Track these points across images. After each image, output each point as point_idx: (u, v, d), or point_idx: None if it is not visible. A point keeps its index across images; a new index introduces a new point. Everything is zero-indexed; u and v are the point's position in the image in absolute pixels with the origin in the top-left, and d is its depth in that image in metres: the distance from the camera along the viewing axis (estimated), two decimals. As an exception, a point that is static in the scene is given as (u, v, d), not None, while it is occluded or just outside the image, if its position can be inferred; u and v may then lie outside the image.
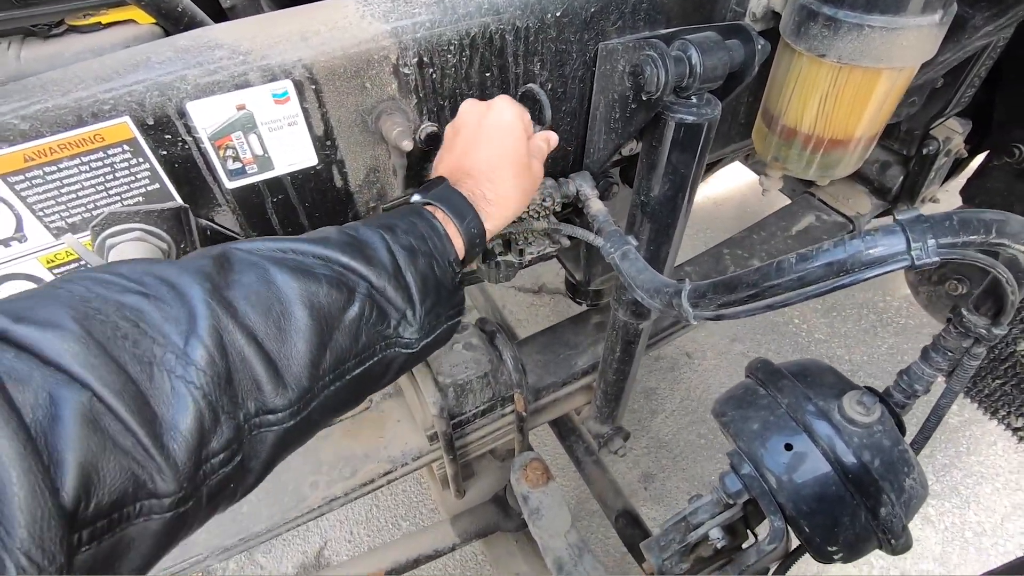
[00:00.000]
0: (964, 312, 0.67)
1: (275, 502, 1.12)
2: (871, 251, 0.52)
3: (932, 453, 2.13)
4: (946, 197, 1.65)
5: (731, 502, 0.73)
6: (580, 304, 1.36)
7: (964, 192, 1.58)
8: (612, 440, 1.39)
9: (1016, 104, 1.34)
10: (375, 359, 0.56)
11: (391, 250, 0.57)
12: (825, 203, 1.60)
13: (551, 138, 0.77)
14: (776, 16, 0.87)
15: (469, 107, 0.71)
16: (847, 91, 0.83)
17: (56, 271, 0.66)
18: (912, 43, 0.76)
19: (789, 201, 1.70)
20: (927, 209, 1.63)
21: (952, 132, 1.38)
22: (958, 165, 1.60)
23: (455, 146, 0.70)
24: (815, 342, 2.51)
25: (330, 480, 1.16)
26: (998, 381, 1.39)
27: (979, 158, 1.54)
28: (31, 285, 0.66)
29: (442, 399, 1.11)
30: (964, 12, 0.97)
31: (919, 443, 0.79)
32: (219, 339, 0.44)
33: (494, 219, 0.67)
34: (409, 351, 0.59)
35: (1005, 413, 1.42)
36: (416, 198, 0.66)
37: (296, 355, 0.49)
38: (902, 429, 0.75)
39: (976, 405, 1.51)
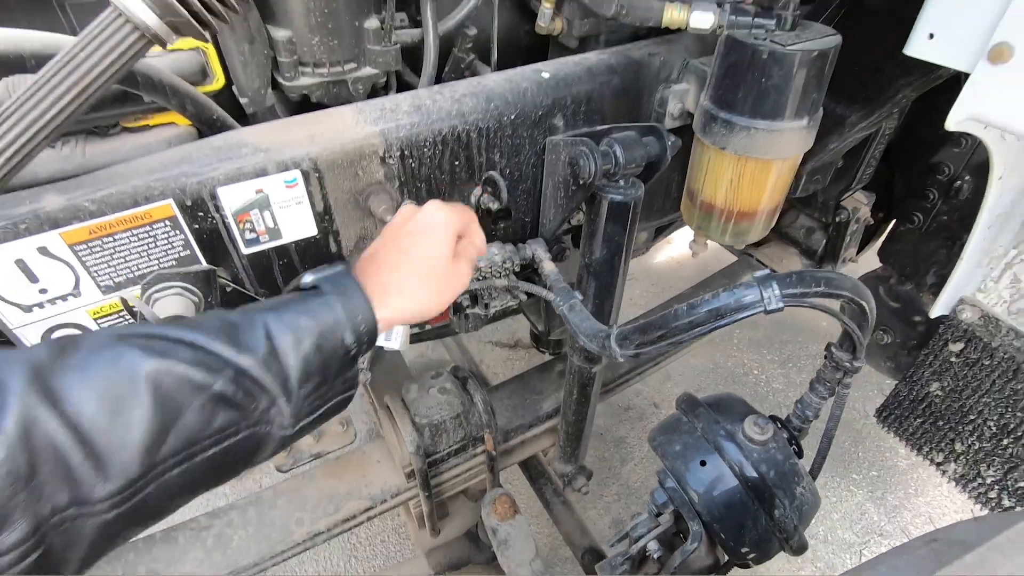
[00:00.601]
0: (833, 350, 0.85)
1: (263, 537, 1.22)
2: (736, 301, 0.70)
3: (883, 495, 2.26)
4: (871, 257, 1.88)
5: (660, 512, 0.87)
6: (543, 353, 1.51)
7: (880, 254, 1.80)
8: (575, 479, 1.51)
9: (909, 179, 1.58)
10: (237, 438, 0.55)
11: (269, 334, 0.57)
12: (762, 263, 1.81)
13: (481, 247, 0.80)
14: (690, 115, 1.10)
15: (404, 208, 0.77)
16: (746, 176, 1.04)
17: (100, 321, 0.81)
18: (789, 140, 0.97)
19: (735, 260, 1.91)
20: (848, 268, 1.85)
21: (859, 203, 1.61)
22: (876, 229, 1.84)
23: (379, 239, 0.74)
24: (773, 391, 2.68)
25: (314, 516, 1.26)
26: (919, 420, 1.56)
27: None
28: (77, 332, 0.81)
29: (418, 438, 1.24)
30: (842, 112, 1.21)
31: (818, 463, 0.94)
32: (25, 432, 0.43)
33: (393, 310, 0.68)
34: (284, 432, 0.59)
35: (928, 450, 1.58)
36: (308, 279, 0.66)
37: (128, 442, 0.47)
38: (799, 449, 0.91)
39: (905, 444, 1.67)
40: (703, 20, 0.97)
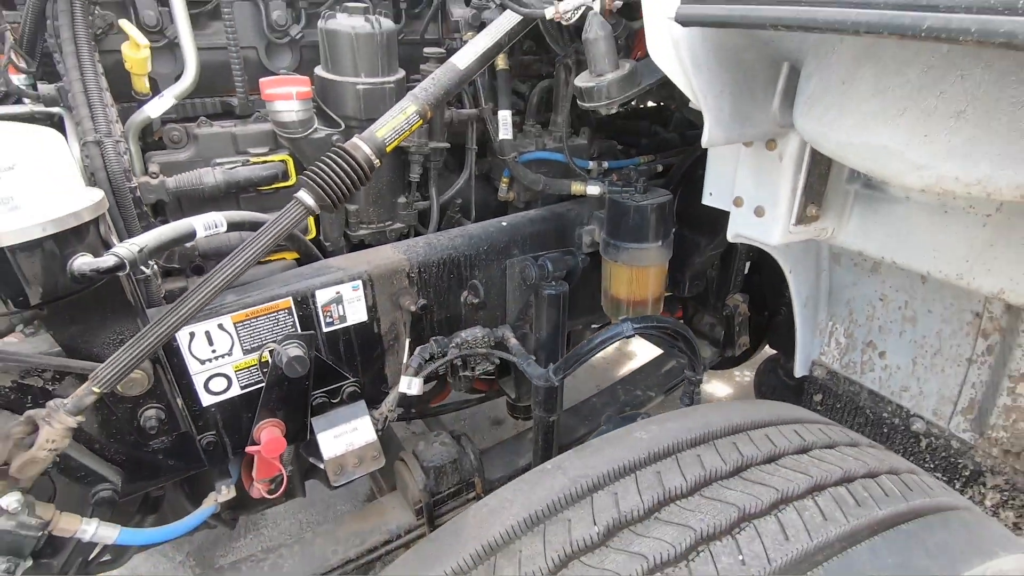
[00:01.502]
0: (686, 371, 1.40)
1: (307, 563, 1.59)
2: (611, 333, 1.26)
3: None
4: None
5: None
6: (517, 419, 2.00)
7: (768, 342, 2.40)
8: (549, 521, 1.90)
9: (772, 281, 2.23)
10: None
11: None
12: (682, 349, 2.38)
13: None
14: (597, 244, 1.75)
15: None
16: (635, 277, 1.66)
17: (239, 373, 1.33)
18: (654, 255, 1.61)
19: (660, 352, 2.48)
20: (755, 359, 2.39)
21: (737, 302, 2.24)
22: (769, 321, 2.45)
23: None
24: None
25: (346, 548, 1.64)
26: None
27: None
28: (226, 382, 1.32)
29: (426, 479, 1.68)
30: (697, 239, 1.89)
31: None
32: None
33: None
34: None
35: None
36: None
37: None
38: (678, 441, 1.40)
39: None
40: (594, 190, 1.66)
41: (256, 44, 1.49)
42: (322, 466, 1.47)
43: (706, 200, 1.53)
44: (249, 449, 1.29)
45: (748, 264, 2.24)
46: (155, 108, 1.23)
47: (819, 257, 1.72)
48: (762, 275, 2.33)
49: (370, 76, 1.38)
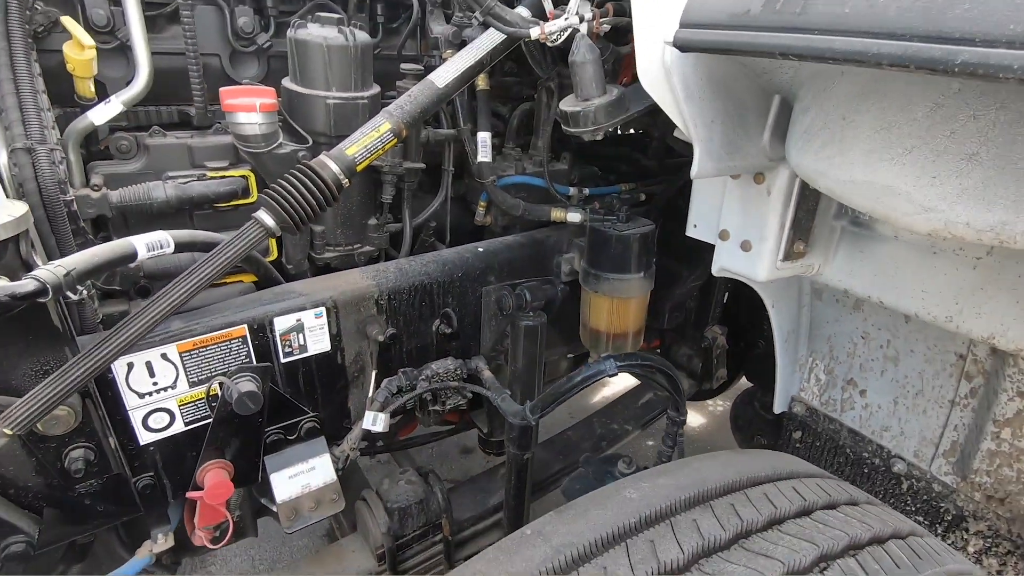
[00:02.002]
0: (668, 411, 1.33)
1: (254, 616, 1.44)
2: (592, 371, 1.19)
3: None
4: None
5: (567, 534, 1.24)
6: (489, 454, 1.89)
7: (746, 374, 2.36)
8: (520, 565, 1.79)
9: (749, 314, 2.20)
10: None
11: None
12: (657, 382, 2.32)
13: None
14: (576, 273, 1.68)
15: None
16: (615, 309, 1.59)
17: (183, 407, 1.20)
18: (635, 285, 1.54)
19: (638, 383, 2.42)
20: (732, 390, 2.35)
21: (716, 334, 2.20)
22: (743, 356, 2.42)
23: None
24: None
25: (299, 598, 1.50)
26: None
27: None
28: (167, 418, 1.19)
29: (389, 521, 1.56)
30: (677, 269, 1.84)
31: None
32: None
33: None
34: None
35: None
36: None
37: None
38: (659, 485, 1.32)
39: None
40: (574, 217, 1.60)
41: (219, 51, 1.39)
42: (274, 509, 1.34)
43: (690, 232, 1.49)
44: (191, 495, 1.16)
45: (726, 295, 2.20)
46: (100, 114, 1.12)
47: (801, 292, 1.69)
48: (740, 306, 2.30)
49: (342, 90, 1.30)
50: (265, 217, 1.05)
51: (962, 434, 1.46)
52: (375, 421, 1.36)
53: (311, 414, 1.38)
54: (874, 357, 1.61)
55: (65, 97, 1.19)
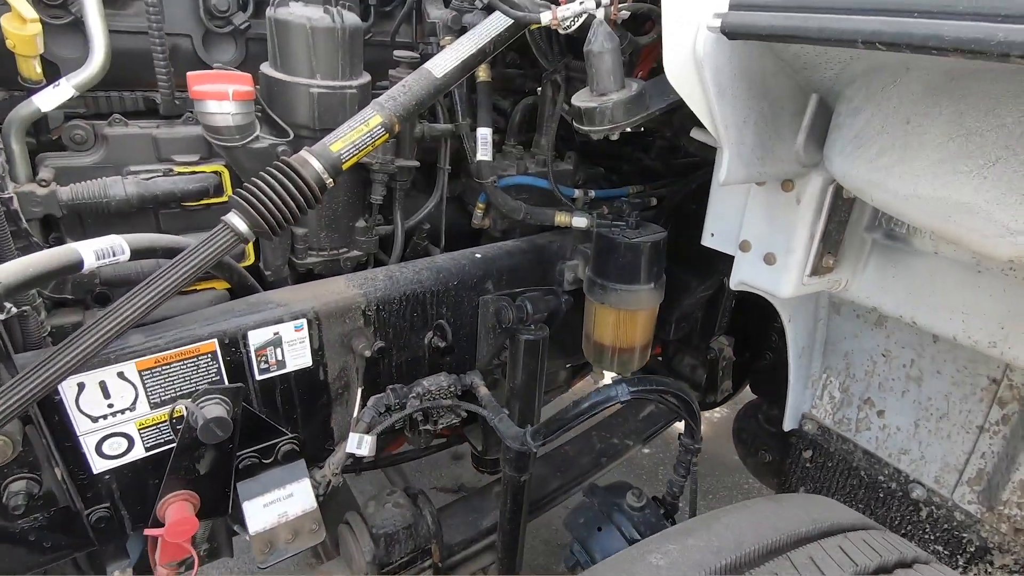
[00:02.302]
0: (681, 438, 1.21)
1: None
2: (602, 396, 1.07)
3: None
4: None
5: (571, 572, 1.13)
6: (483, 472, 1.78)
7: (751, 386, 2.27)
8: (514, 592, 1.68)
9: (756, 325, 2.10)
10: None
11: None
12: (661, 396, 2.21)
13: None
14: (581, 281, 1.56)
15: None
16: (621, 322, 1.48)
17: (143, 431, 1.07)
18: (645, 297, 1.43)
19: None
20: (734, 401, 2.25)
21: (723, 345, 2.09)
22: (747, 367, 2.32)
23: None
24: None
25: (274, 633, 1.37)
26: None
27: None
28: (125, 443, 1.06)
29: (374, 548, 1.43)
30: (687, 279, 1.73)
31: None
32: None
33: None
34: None
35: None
36: None
37: None
38: (671, 517, 1.21)
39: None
40: (581, 222, 1.48)
41: (191, 31, 1.25)
42: (248, 538, 1.22)
43: (706, 241, 1.37)
44: (150, 532, 1.03)
45: (733, 303, 2.10)
46: (48, 99, 0.98)
47: (818, 306, 1.58)
48: (747, 316, 2.20)
49: (328, 78, 1.16)
50: (236, 221, 0.92)
51: (990, 462, 1.37)
52: (360, 444, 1.23)
53: (289, 435, 1.25)
54: (895, 376, 1.51)
55: (10, 79, 1.04)
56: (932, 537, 1.50)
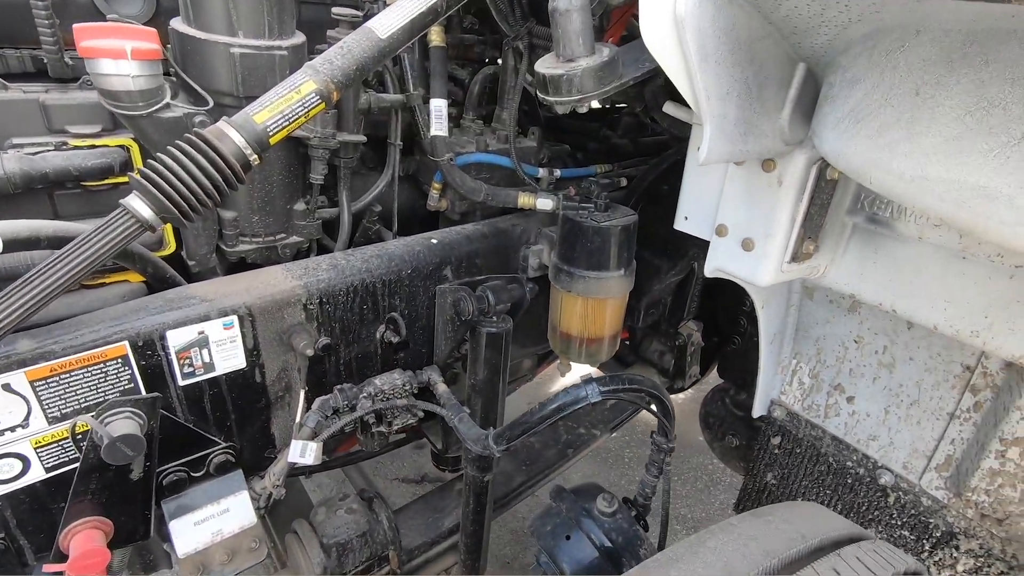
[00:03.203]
0: (654, 436, 1.14)
1: None
2: (571, 398, 0.97)
3: None
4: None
5: (537, 587, 1.04)
6: (443, 471, 1.68)
7: (718, 371, 2.23)
8: (478, 594, 1.60)
9: (725, 310, 2.05)
10: None
11: None
12: (628, 382, 2.15)
13: None
14: (546, 268, 1.45)
15: None
16: (590, 310, 1.39)
17: (41, 451, 0.92)
18: (614, 285, 1.34)
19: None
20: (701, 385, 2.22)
21: (691, 330, 2.04)
22: (715, 351, 2.28)
23: None
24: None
25: (214, 657, 1.25)
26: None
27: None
28: (19, 465, 0.91)
29: (325, 559, 1.32)
30: (658, 263, 1.65)
31: (663, 533, 1.18)
32: None
33: None
34: None
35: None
36: None
37: None
38: (643, 521, 1.14)
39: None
40: (546, 204, 1.37)
41: (87, -22, 1.07)
42: (175, 563, 1.08)
43: (680, 225, 1.28)
44: (49, 568, 0.88)
45: (701, 288, 2.04)
46: None
47: (791, 291, 1.53)
48: (716, 300, 2.14)
49: (252, 36, 1.00)
50: (138, 204, 0.77)
51: (959, 449, 1.35)
52: (304, 452, 1.11)
53: (223, 445, 1.12)
54: (867, 363, 1.47)
55: None
56: (899, 523, 1.48)
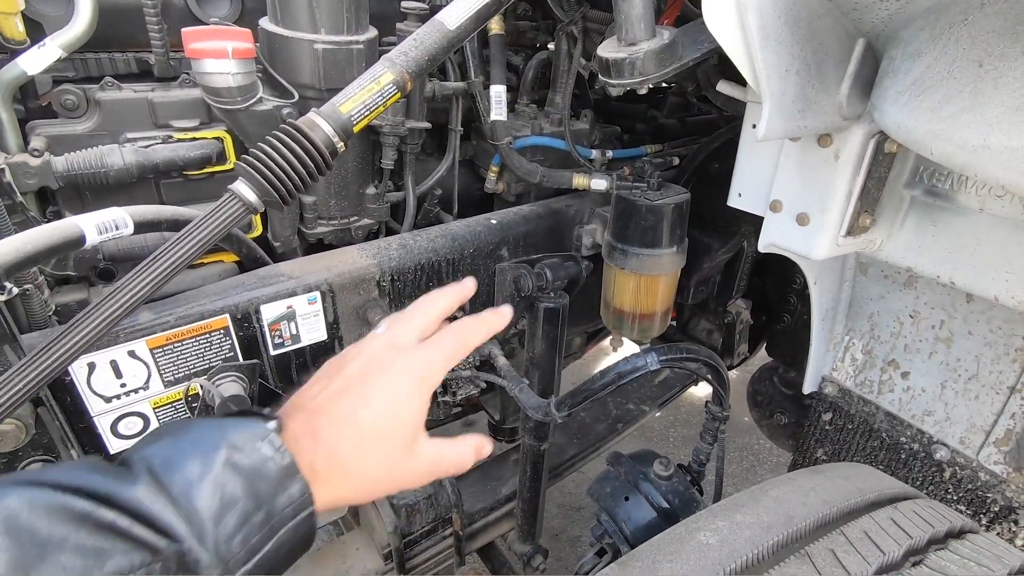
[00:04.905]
0: (709, 405, 1.18)
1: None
2: (631, 366, 1.03)
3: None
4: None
5: (598, 543, 1.12)
6: (500, 441, 1.76)
7: (767, 349, 2.24)
8: (533, 557, 1.69)
9: (775, 287, 2.06)
10: None
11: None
12: (676, 360, 2.19)
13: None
14: (599, 246, 1.50)
15: (377, 346, 0.60)
16: (642, 287, 1.43)
17: (159, 411, 1.04)
18: (667, 262, 1.38)
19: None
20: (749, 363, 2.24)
21: (740, 308, 2.05)
22: (764, 329, 2.28)
23: (328, 384, 0.58)
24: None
25: (300, 602, 1.38)
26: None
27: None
28: (141, 423, 1.03)
29: (396, 518, 1.43)
30: (708, 241, 1.68)
31: (716, 495, 1.23)
32: None
33: (325, 490, 0.51)
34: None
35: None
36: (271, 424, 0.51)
37: None
38: (698, 485, 1.20)
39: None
40: (600, 184, 1.42)
41: (182, -15, 1.16)
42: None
43: (733, 202, 1.31)
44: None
45: (751, 266, 2.05)
46: (33, 61, 0.91)
47: (844, 266, 1.53)
48: (765, 278, 2.15)
49: (333, 33, 1.08)
50: (244, 190, 0.86)
51: (1020, 423, 1.34)
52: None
53: (307, 410, 1.22)
54: (923, 338, 1.47)
55: (-8, 40, 0.97)
56: (955, 497, 1.49)
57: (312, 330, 1.17)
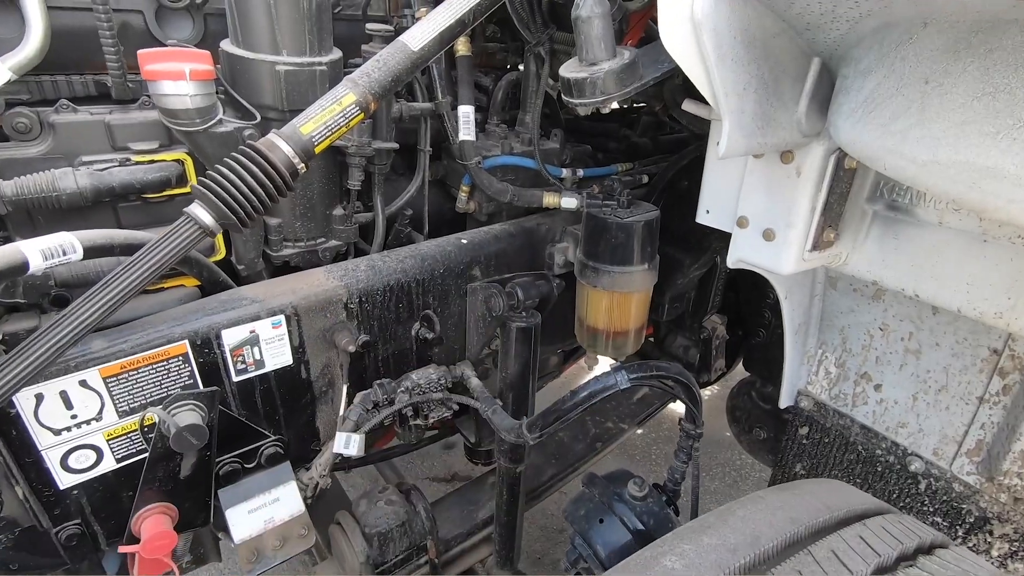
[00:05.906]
0: (682, 423, 1.17)
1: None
2: (601, 386, 1.02)
3: None
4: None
5: (575, 570, 1.09)
6: (476, 464, 1.73)
7: (744, 364, 2.24)
8: (513, 583, 1.65)
9: (750, 302, 2.07)
10: None
11: None
12: (654, 377, 2.18)
13: None
14: (571, 264, 1.50)
15: None
16: (615, 304, 1.43)
17: (112, 443, 1.00)
18: (638, 279, 1.38)
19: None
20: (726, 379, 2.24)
21: (716, 324, 2.06)
22: (739, 345, 2.29)
23: None
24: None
25: (267, 640, 1.32)
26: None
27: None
28: (94, 455, 0.99)
29: (368, 548, 1.38)
30: (680, 257, 1.69)
31: (693, 514, 1.21)
32: None
33: None
34: None
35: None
36: None
37: None
38: (673, 504, 1.18)
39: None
40: (570, 203, 1.42)
41: (142, 7, 1.15)
42: (233, 547, 1.16)
43: (702, 219, 1.32)
44: (124, 549, 0.96)
45: (724, 281, 2.06)
46: (-19, 84, 0.89)
47: (815, 281, 1.55)
48: (739, 293, 2.17)
49: (295, 54, 1.08)
50: (201, 212, 0.84)
51: (990, 433, 1.35)
52: (348, 444, 1.17)
53: (272, 438, 1.19)
54: (893, 350, 1.49)
55: (-61, 62, 0.94)
56: (931, 509, 1.49)
57: (277, 355, 1.14)
